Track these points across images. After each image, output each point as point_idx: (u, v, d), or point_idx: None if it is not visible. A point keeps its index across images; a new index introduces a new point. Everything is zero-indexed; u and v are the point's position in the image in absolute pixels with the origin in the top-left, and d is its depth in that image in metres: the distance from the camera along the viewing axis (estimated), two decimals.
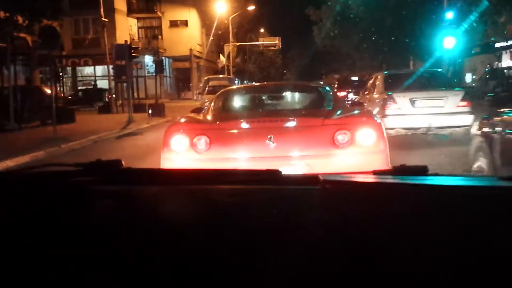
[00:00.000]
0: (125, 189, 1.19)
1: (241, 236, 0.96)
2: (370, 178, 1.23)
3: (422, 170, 1.18)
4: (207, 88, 20.80)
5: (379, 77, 10.42)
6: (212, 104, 5.03)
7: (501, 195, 1.04)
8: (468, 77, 31.88)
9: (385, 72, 11.25)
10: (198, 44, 40.09)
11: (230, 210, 1.07)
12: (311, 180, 1.13)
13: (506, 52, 28.90)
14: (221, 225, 1.01)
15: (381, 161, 3.91)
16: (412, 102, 8.66)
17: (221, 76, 30.79)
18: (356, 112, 4.78)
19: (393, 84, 9.36)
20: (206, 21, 40.26)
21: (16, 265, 0.91)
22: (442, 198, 1.03)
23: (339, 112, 4.56)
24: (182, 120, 4.78)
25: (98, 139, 12.01)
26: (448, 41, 16.83)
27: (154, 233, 0.99)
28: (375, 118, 4.34)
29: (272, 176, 1.18)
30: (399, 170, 1.20)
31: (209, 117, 4.66)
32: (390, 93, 8.85)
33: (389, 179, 1.19)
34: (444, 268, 0.83)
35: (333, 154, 3.94)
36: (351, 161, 3.90)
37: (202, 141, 4.05)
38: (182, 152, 4.06)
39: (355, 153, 3.92)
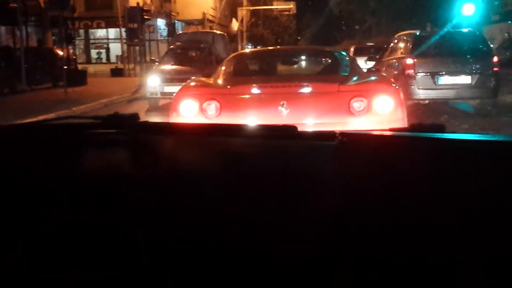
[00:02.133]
0: (143, 139, 1.20)
1: (256, 187, 0.94)
2: (388, 134, 1.23)
3: (439, 128, 1.16)
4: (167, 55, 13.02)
5: (405, 38, 9.65)
6: (223, 68, 4.87)
7: None
8: None
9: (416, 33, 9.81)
10: (211, 7, 39.57)
11: (245, 161, 1.06)
12: (328, 135, 1.11)
13: None
14: (237, 175, 1.00)
15: None
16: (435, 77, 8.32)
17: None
18: (373, 78, 4.60)
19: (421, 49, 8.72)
20: None
21: (34, 211, 0.90)
22: (460, 152, 1.03)
23: (355, 78, 4.37)
24: (192, 84, 4.62)
25: (109, 103, 11.98)
26: (468, 7, 16.35)
27: (171, 181, 0.99)
28: (393, 85, 4.14)
29: (288, 131, 1.16)
30: (416, 128, 1.18)
31: (220, 81, 4.50)
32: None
33: (407, 134, 1.19)
34: (461, 221, 0.82)
35: (349, 122, 3.77)
36: (368, 129, 3.69)
37: (212, 106, 3.92)
38: (191, 117, 3.92)
39: (371, 122, 3.72)
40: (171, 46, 14.25)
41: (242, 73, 4.96)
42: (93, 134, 1.24)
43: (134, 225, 0.84)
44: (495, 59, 8.78)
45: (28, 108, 9.93)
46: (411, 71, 8.32)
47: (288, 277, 0.73)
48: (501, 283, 0.71)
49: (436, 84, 8.41)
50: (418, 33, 9.82)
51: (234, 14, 41.30)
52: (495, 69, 8.67)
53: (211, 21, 39.62)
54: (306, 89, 4.10)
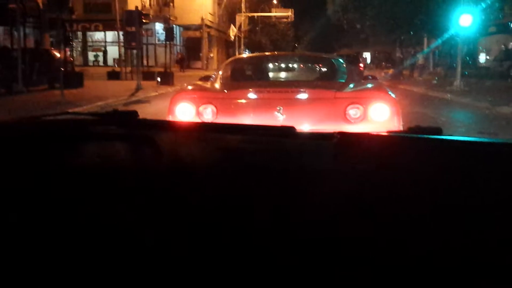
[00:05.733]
0: (142, 135, 1.19)
1: (254, 184, 0.94)
2: (386, 134, 1.25)
3: (436, 131, 1.18)
4: None
5: None
6: (221, 72, 4.86)
7: None
8: (482, 57, 31.43)
9: None
10: (209, 13, 39.69)
11: (244, 159, 1.06)
12: (326, 135, 1.12)
13: None
14: (235, 171, 1.00)
15: None
16: None
17: None
18: (370, 85, 4.58)
19: None
20: None
21: (32, 206, 0.89)
22: (456, 153, 1.05)
23: (352, 85, 4.36)
24: (189, 87, 4.64)
25: (105, 105, 11.95)
26: (465, 18, 16.43)
27: (170, 177, 0.98)
28: (390, 93, 4.13)
29: (287, 131, 1.17)
30: (414, 130, 1.20)
31: (216, 85, 4.47)
32: None
33: (405, 135, 1.22)
34: (458, 220, 0.82)
35: (344, 129, 3.59)
36: None
37: (208, 110, 3.89)
38: (187, 121, 3.83)
39: (367, 129, 3.62)
40: None
41: (239, 78, 4.92)
42: (92, 130, 1.23)
43: (132, 220, 0.83)
44: None
45: (24, 109, 9.91)
46: None
47: (284, 274, 0.73)
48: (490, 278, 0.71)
49: None
50: None
51: (232, 20, 41.37)
52: None
53: (209, 27, 39.71)
54: (303, 95, 4.07)
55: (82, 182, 0.96)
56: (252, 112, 3.96)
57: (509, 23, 26.69)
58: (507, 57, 23.77)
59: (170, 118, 3.97)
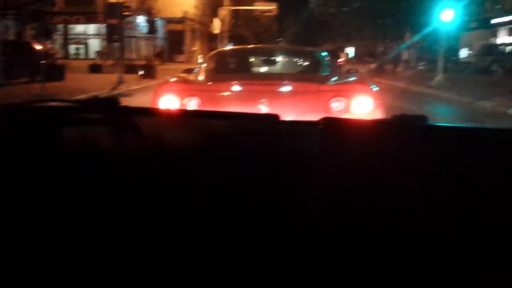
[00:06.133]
0: (125, 120, 1.18)
1: (239, 167, 0.93)
2: (371, 120, 1.27)
3: (421, 118, 1.18)
4: None
5: None
6: (204, 65, 4.85)
7: (499, 137, 1.09)
8: (463, 52, 31.76)
9: None
10: (192, 6, 39.38)
11: (229, 144, 1.06)
12: (311, 122, 1.12)
13: (503, 29, 28.73)
14: (219, 156, 0.99)
15: None
16: None
17: None
18: (352, 79, 4.62)
19: None
20: None
21: (11, 194, 0.87)
22: (441, 138, 1.07)
23: (335, 78, 4.40)
24: (172, 80, 4.57)
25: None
26: (446, 13, 16.55)
27: (154, 160, 0.98)
28: (372, 86, 4.18)
29: (272, 118, 1.17)
30: (399, 118, 1.21)
31: (200, 78, 4.46)
32: None
33: (390, 121, 1.22)
34: (444, 204, 0.83)
35: None
36: None
37: (192, 103, 3.89)
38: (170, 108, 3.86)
39: None
40: None
41: (223, 70, 4.91)
42: (73, 116, 1.21)
43: (116, 206, 0.82)
44: None
45: (5, 101, 9.75)
46: None
47: (273, 266, 0.72)
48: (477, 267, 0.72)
49: None
50: None
51: (215, 14, 41.14)
52: None
53: (192, 20, 39.44)
54: (287, 88, 4.10)
55: (63, 168, 0.95)
56: (236, 105, 3.96)
57: (490, 18, 27.01)
58: (488, 52, 24.04)
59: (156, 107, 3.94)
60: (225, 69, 5.04)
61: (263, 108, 3.77)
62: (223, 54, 5.73)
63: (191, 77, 4.68)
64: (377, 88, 4.16)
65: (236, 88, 4.15)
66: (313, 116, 3.69)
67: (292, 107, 3.91)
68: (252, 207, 0.82)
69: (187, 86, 4.23)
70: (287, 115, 3.72)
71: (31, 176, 0.93)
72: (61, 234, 0.77)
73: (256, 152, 1.00)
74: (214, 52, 5.75)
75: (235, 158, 0.98)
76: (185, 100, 3.91)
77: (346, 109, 3.80)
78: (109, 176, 0.92)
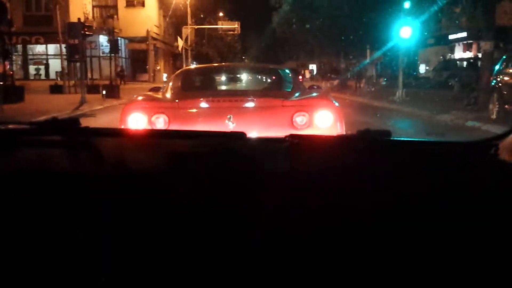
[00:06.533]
0: (82, 141, 1.14)
1: (203, 187, 0.91)
2: (336, 136, 1.25)
3: (385, 134, 1.20)
4: None
5: None
6: (171, 83, 4.92)
7: (460, 151, 1.13)
8: (422, 68, 32.66)
9: None
10: (155, 25, 39.35)
11: (192, 162, 1.04)
12: (277, 139, 1.13)
13: (459, 44, 29.70)
14: (183, 175, 0.97)
15: None
16: None
17: None
18: (314, 94, 4.84)
19: None
20: (163, 2, 39.49)
21: None
22: (403, 152, 1.10)
23: (297, 94, 4.58)
24: (140, 98, 4.63)
25: None
26: (405, 30, 17.00)
27: (113, 180, 0.95)
28: (333, 101, 4.37)
29: (237, 136, 1.16)
30: (363, 133, 1.21)
31: (168, 95, 4.56)
32: None
33: (354, 136, 1.23)
34: (409, 214, 0.84)
35: None
36: None
37: (160, 120, 3.94)
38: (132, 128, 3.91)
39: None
40: None
41: (189, 88, 5.03)
42: (29, 139, 1.17)
43: (75, 228, 0.78)
44: None
45: None
46: None
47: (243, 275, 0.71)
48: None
49: None
50: None
51: (178, 33, 41.20)
52: None
53: (155, 39, 39.35)
54: (252, 104, 4.24)
55: (17, 190, 0.91)
56: (203, 121, 4.06)
57: (447, 35, 27.89)
58: (445, 67, 24.78)
59: (122, 128, 3.93)
60: (192, 87, 5.15)
61: (229, 124, 3.86)
62: (189, 72, 5.88)
63: (158, 95, 4.76)
64: (338, 104, 4.32)
65: (203, 104, 4.26)
66: (278, 130, 3.63)
67: (257, 122, 4.04)
68: (217, 224, 0.80)
69: (154, 104, 4.29)
70: (253, 130, 3.77)
71: None
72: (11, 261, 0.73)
73: (220, 171, 0.99)
74: (180, 70, 5.86)
75: (200, 177, 0.96)
76: (153, 118, 3.95)
77: (309, 123, 3.95)
78: (66, 198, 0.88)
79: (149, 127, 3.89)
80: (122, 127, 3.96)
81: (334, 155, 1.06)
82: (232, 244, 0.76)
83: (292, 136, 1.10)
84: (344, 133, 3.94)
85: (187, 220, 0.81)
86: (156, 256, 0.74)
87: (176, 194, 0.88)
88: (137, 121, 3.96)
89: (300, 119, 3.96)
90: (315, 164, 1.00)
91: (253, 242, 0.76)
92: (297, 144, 1.09)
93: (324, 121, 3.99)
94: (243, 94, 4.78)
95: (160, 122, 3.93)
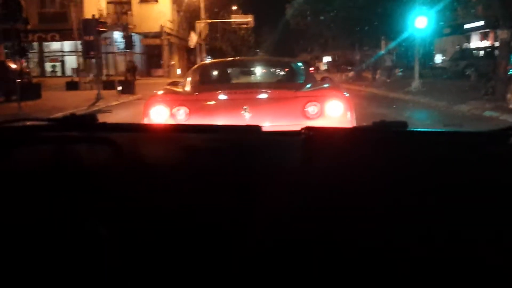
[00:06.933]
0: (102, 137, 1.15)
1: (224, 179, 0.93)
2: (351, 128, 1.29)
3: (401, 125, 1.20)
4: None
5: None
6: (189, 77, 5.19)
7: (478, 141, 1.12)
8: (438, 58, 32.30)
9: None
10: (169, 20, 39.45)
11: (210, 156, 1.04)
12: (293, 132, 1.13)
13: (475, 33, 29.32)
14: (201, 170, 0.98)
15: None
16: None
17: None
18: (325, 85, 5.05)
19: None
20: None
21: None
22: (420, 143, 1.09)
23: (309, 85, 4.84)
24: (161, 92, 4.87)
25: None
26: (420, 20, 16.83)
27: (133, 176, 0.96)
28: (343, 92, 4.58)
29: (253, 130, 1.17)
30: (379, 125, 1.21)
31: (187, 89, 4.84)
32: None
33: (370, 128, 1.22)
34: (426, 208, 0.83)
35: (304, 124, 3.93)
36: None
37: (181, 112, 4.20)
38: (161, 122, 4.19)
39: (324, 124, 4.10)
40: None
41: (207, 82, 5.34)
42: (48, 136, 1.19)
43: (95, 223, 0.79)
44: None
45: None
46: None
47: (253, 274, 0.71)
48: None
49: None
50: None
51: (192, 27, 41.26)
52: None
53: (169, 34, 39.48)
54: (266, 95, 4.49)
55: (39, 188, 0.92)
56: (221, 112, 4.31)
57: (463, 24, 27.53)
58: (462, 57, 24.47)
59: (145, 120, 4.25)
60: (209, 80, 5.47)
61: (245, 115, 4.15)
62: (206, 67, 6.14)
63: (178, 89, 5.04)
64: (348, 94, 4.52)
65: (220, 97, 4.53)
66: (291, 120, 3.95)
67: (271, 112, 4.30)
68: (234, 219, 0.80)
69: (175, 97, 4.55)
70: (268, 120, 4.12)
71: (9, 195, 0.89)
72: (34, 256, 0.74)
73: (237, 165, 0.99)
74: (197, 65, 6.13)
75: (217, 172, 0.97)
76: (175, 110, 4.21)
77: (321, 113, 4.19)
78: (87, 193, 0.89)
79: (170, 119, 4.15)
80: (146, 119, 4.24)
81: (350, 147, 1.05)
82: (243, 243, 0.76)
83: (307, 128, 1.10)
84: (354, 121, 4.28)
85: (200, 217, 0.81)
86: (171, 254, 0.75)
87: (192, 190, 0.89)
88: (159, 113, 4.22)
89: (312, 109, 4.17)
90: (332, 157, 1.00)
91: (263, 241, 0.76)
92: (313, 137, 1.09)
93: (334, 110, 4.21)
94: (258, 86, 5.04)
95: (181, 114, 4.18)
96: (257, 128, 1.17)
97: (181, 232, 0.78)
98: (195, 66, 6.11)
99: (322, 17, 29.52)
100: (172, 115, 4.18)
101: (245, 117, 4.11)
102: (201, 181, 0.92)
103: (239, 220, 0.80)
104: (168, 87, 5.33)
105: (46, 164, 1.05)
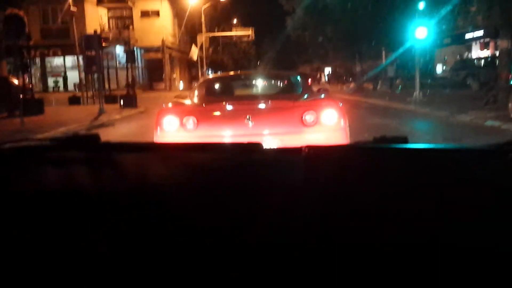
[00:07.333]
0: (104, 158, 1.15)
1: (225, 198, 0.94)
2: (352, 145, 1.29)
3: (402, 140, 1.21)
4: None
5: None
6: (196, 91, 5.69)
7: (479, 158, 1.12)
8: (439, 68, 32.35)
9: None
10: (170, 35, 39.65)
11: (211, 175, 1.06)
12: (294, 150, 1.14)
13: (476, 43, 29.38)
14: (204, 188, 1.00)
15: (342, 137, 4.60)
16: None
17: None
18: (321, 96, 5.57)
19: None
20: (178, 11, 39.80)
21: None
22: (422, 160, 1.09)
23: (306, 96, 5.33)
24: (170, 104, 5.31)
25: (67, 131, 11.70)
26: (420, 31, 16.88)
27: (138, 198, 0.96)
28: (338, 102, 5.01)
29: (254, 147, 1.18)
30: (379, 140, 1.22)
31: (195, 100, 5.36)
32: None
33: (371, 146, 1.22)
34: (428, 225, 0.83)
35: (302, 131, 4.60)
36: (317, 137, 4.55)
37: (190, 121, 4.62)
38: (173, 131, 4.65)
39: (320, 131, 4.61)
40: None
41: (213, 94, 5.82)
42: (52, 156, 1.19)
43: (99, 243, 0.80)
44: None
45: None
46: None
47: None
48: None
49: None
50: None
51: (193, 41, 41.47)
52: None
53: (170, 48, 39.66)
54: (267, 105, 5.03)
55: (42, 209, 0.92)
56: (226, 121, 4.80)
57: (463, 34, 27.60)
58: (463, 66, 24.51)
59: (158, 129, 4.69)
60: (214, 93, 5.95)
61: (248, 123, 4.57)
62: (211, 81, 6.64)
63: (186, 100, 5.52)
64: (341, 104, 4.91)
65: (225, 107, 5.01)
66: (290, 127, 4.42)
67: (272, 120, 4.73)
68: (236, 238, 0.81)
69: (185, 108, 5.07)
70: (269, 128, 4.58)
71: (10, 216, 0.90)
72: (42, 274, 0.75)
73: (239, 183, 1.00)
74: (203, 80, 6.76)
75: (218, 190, 0.97)
76: (184, 120, 4.63)
77: (317, 120, 4.60)
78: (90, 215, 0.89)
79: (181, 128, 4.62)
80: (158, 128, 4.69)
81: (351, 165, 1.06)
82: (244, 262, 0.76)
83: (308, 146, 1.11)
84: (347, 128, 4.71)
85: (202, 237, 0.82)
86: (173, 276, 0.75)
87: (194, 210, 0.90)
88: (170, 122, 4.66)
89: (309, 117, 4.58)
90: (333, 175, 1.01)
91: (264, 260, 0.76)
92: (313, 154, 1.10)
93: (329, 118, 4.63)
94: (259, 98, 5.70)
95: (190, 123, 4.62)
96: (258, 146, 1.18)
97: (183, 253, 0.79)
98: (201, 80, 6.63)
99: (322, 30, 29.63)
100: (182, 124, 4.61)
101: (248, 125, 4.54)
102: (202, 201, 0.93)
103: (240, 238, 0.81)
104: (175, 99, 5.75)
105: (48, 185, 1.05)
